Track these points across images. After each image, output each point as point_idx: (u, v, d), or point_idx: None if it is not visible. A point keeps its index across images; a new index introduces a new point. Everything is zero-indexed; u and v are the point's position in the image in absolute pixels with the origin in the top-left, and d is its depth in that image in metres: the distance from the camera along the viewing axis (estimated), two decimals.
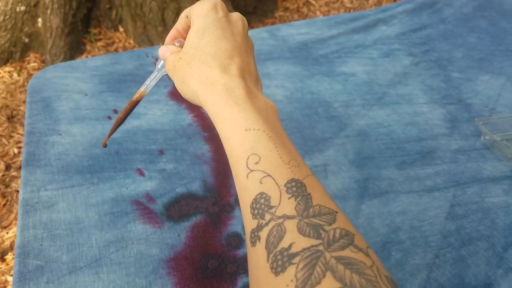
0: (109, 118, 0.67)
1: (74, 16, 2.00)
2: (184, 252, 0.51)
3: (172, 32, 0.49)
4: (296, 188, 0.34)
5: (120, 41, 2.14)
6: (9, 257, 1.30)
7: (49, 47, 1.96)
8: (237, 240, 0.53)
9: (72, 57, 2.00)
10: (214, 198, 0.57)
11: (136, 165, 0.61)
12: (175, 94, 0.73)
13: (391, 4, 1.00)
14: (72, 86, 0.73)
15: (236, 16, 0.45)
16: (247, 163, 0.35)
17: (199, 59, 0.41)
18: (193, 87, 0.41)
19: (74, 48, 2.03)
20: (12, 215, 1.42)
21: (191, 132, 0.66)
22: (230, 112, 0.37)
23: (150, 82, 0.49)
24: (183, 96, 0.44)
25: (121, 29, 2.18)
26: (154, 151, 0.63)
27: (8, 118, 1.71)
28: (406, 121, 0.70)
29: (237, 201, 0.57)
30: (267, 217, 0.33)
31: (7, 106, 1.76)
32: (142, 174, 0.59)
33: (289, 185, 0.34)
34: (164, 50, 0.47)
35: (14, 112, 1.75)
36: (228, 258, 0.50)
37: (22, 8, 1.96)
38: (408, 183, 0.60)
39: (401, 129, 0.69)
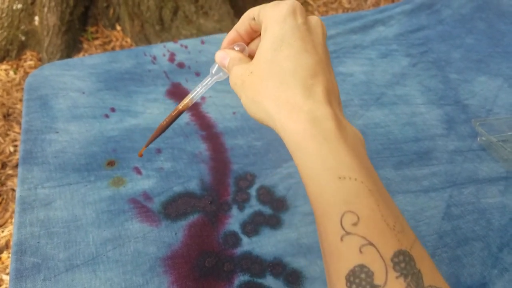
0: (107, 116, 0.67)
1: (71, 14, 1.99)
2: (181, 251, 0.51)
3: (231, 34, 0.43)
4: (405, 263, 0.28)
5: (117, 39, 2.14)
6: (4, 255, 1.29)
7: (46, 45, 1.95)
8: (234, 238, 0.53)
9: (69, 56, 2.00)
10: (212, 197, 0.57)
11: (134, 163, 0.61)
12: (172, 93, 0.73)
13: (389, 4, 1.01)
14: (70, 84, 0.72)
15: (315, 21, 0.38)
16: (341, 221, 0.29)
17: (277, 77, 0.34)
18: (267, 109, 0.35)
19: (71, 46, 2.02)
20: (8, 214, 1.42)
21: (189, 131, 0.66)
22: (319, 151, 0.31)
23: (200, 89, 0.44)
24: (251, 116, 0.38)
25: (118, 27, 2.17)
26: (151, 150, 0.63)
27: (4, 116, 1.71)
28: (403, 121, 0.70)
29: (234, 200, 0.57)
30: None
31: (3, 104, 1.76)
32: (139, 172, 0.59)
33: (396, 259, 0.28)
34: (222, 56, 0.41)
35: (10, 110, 1.74)
36: (225, 257, 0.51)
37: (19, 6, 1.95)
38: (405, 183, 0.60)
39: (398, 129, 0.69)
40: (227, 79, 0.42)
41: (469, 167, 0.63)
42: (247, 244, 0.52)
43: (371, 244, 0.28)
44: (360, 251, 0.28)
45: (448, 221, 0.56)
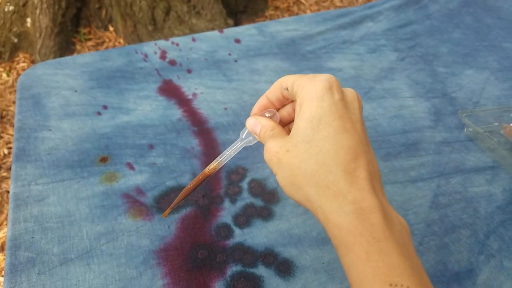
0: (99, 113, 0.68)
1: (64, 16, 2.00)
2: (174, 243, 0.52)
3: (262, 101, 0.42)
4: None
5: (110, 40, 2.14)
6: (0, 257, 1.29)
7: (38, 47, 1.95)
8: (227, 230, 0.54)
9: (61, 57, 2.00)
10: (204, 190, 0.58)
11: (126, 159, 0.61)
12: (164, 90, 0.74)
13: (377, 0, 1.02)
14: (62, 82, 0.73)
15: (351, 95, 0.36)
16: None
17: (316, 160, 0.33)
18: (308, 195, 0.33)
19: (64, 48, 2.03)
20: (3, 216, 1.42)
21: (181, 127, 0.67)
22: (368, 253, 0.29)
23: (229, 153, 0.43)
24: (289, 196, 0.36)
25: (111, 28, 2.18)
26: (144, 146, 0.63)
27: None
28: (391, 114, 0.71)
29: (226, 193, 0.58)
30: None
31: None
32: (132, 168, 0.60)
33: None
34: (254, 123, 0.40)
35: (4, 113, 1.74)
36: (218, 248, 0.51)
37: (11, 8, 1.95)
38: (393, 174, 0.61)
39: (386, 122, 0.70)
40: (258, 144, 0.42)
41: (456, 158, 0.65)
42: (239, 235, 0.53)
43: None
44: None
45: (435, 210, 0.57)
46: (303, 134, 0.34)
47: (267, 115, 0.41)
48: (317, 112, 0.34)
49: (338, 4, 2.50)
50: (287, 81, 0.38)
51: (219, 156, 0.43)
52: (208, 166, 0.43)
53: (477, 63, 0.85)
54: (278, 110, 0.42)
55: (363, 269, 0.29)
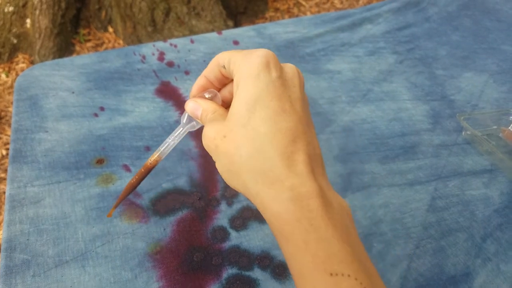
0: (96, 115, 0.68)
1: (63, 17, 2.00)
2: (169, 246, 0.52)
3: (201, 81, 0.39)
4: None
5: (109, 41, 2.14)
6: None
7: (37, 48, 1.95)
8: (223, 233, 0.53)
9: (61, 58, 2.00)
10: (200, 193, 0.58)
11: (123, 161, 0.61)
12: (162, 91, 0.74)
13: (376, 3, 1.02)
14: (59, 83, 0.73)
15: (291, 71, 0.34)
16: None
17: (252, 145, 0.31)
18: (245, 182, 0.31)
19: (63, 49, 2.03)
20: (1, 217, 1.42)
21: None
22: (305, 240, 0.28)
23: (172, 141, 0.40)
24: (228, 184, 0.34)
25: (110, 29, 2.18)
26: (140, 148, 0.63)
27: None
28: (389, 117, 0.71)
29: (223, 196, 0.58)
30: None
31: None
32: (128, 170, 0.60)
33: None
34: (194, 107, 0.37)
35: (2, 113, 1.74)
36: (214, 251, 0.51)
37: (11, 8, 1.95)
38: (390, 177, 0.61)
39: (384, 125, 0.70)
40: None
41: (454, 161, 0.64)
42: (235, 238, 0.53)
43: None
44: None
45: (432, 213, 0.57)
46: (238, 117, 0.32)
47: (206, 96, 0.38)
48: (253, 92, 0.31)
49: (339, 6, 2.50)
50: (224, 58, 0.35)
51: (160, 146, 0.40)
52: (149, 158, 0.40)
53: (476, 65, 0.85)
54: (219, 90, 0.40)
55: (302, 259, 0.28)
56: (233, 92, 0.34)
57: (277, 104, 0.31)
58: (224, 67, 0.36)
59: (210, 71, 0.38)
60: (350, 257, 0.28)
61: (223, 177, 0.34)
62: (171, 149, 0.40)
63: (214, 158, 0.34)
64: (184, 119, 0.39)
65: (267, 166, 0.30)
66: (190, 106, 0.37)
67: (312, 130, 0.33)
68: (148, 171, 0.40)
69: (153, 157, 0.40)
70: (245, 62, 0.33)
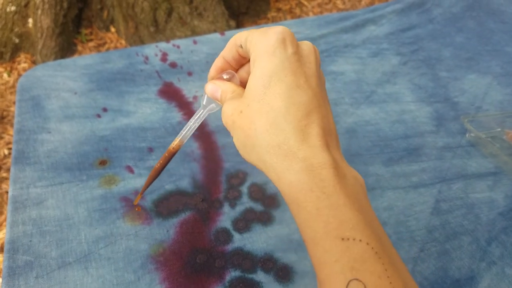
0: (98, 116, 0.68)
1: (65, 17, 2.00)
2: (172, 248, 0.51)
3: (219, 62, 0.40)
4: None
5: (111, 41, 2.14)
6: (0, 258, 1.29)
7: (39, 47, 1.95)
8: (226, 235, 0.53)
9: (63, 58, 2.00)
10: (203, 194, 0.58)
11: (126, 162, 0.61)
12: (165, 92, 0.73)
13: (380, 4, 1.01)
14: (62, 84, 0.73)
15: (308, 48, 0.34)
16: None
17: (267, 119, 0.31)
18: (260, 155, 0.32)
19: (65, 48, 2.03)
20: (3, 216, 1.42)
21: (181, 130, 0.67)
22: (317, 207, 0.28)
23: (193, 124, 0.40)
24: (245, 159, 0.35)
25: (112, 29, 2.18)
26: (143, 149, 0.63)
27: None
28: (393, 119, 0.71)
29: (226, 197, 0.57)
30: None
31: None
32: (131, 171, 0.60)
33: None
34: (213, 89, 0.38)
35: (5, 113, 1.74)
36: (217, 253, 0.51)
37: (13, 8, 1.95)
38: (394, 179, 0.61)
39: (388, 126, 0.69)
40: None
41: (458, 163, 0.64)
42: (239, 240, 0.53)
43: None
44: None
45: (437, 216, 0.57)
46: (254, 93, 0.32)
47: (225, 77, 0.39)
48: (269, 68, 0.32)
49: (341, 6, 2.50)
50: (241, 37, 0.36)
51: (182, 130, 0.41)
52: (172, 142, 0.40)
53: (480, 67, 0.84)
54: (236, 71, 0.40)
55: (314, 225, 0.28)
56: (251, 69, 0.34)
57: (292, 80, 0.32)
58: (241, 46, 0.36)
59: (228, 52, 0.38)
60: (362, 224, 0.28)
61: (240, 152, 0.35)
62: (192, 132, 0.41)
63: (231, 133, 0.35)
64: (204, 101, 0.40)
65: (281, 139, 0.30)
66: (210, 88, 0.38)
67: (327, 106, 0.34)
68: (172, 155, 0.41)
69: (176, 141, 0.41)
70: (261, 39, 0.33)
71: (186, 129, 0.41)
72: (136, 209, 0.44)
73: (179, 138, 0.41)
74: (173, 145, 0.41)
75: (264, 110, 0.31)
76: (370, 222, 0.29)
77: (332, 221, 0.28)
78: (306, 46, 0.34)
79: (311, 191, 0.29)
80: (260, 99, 0.32)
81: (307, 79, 0.32)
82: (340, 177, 0.29)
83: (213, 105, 0.40)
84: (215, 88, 0.38)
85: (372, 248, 0.27)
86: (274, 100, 0.31)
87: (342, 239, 0.27)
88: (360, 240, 0.27)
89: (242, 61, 0.39)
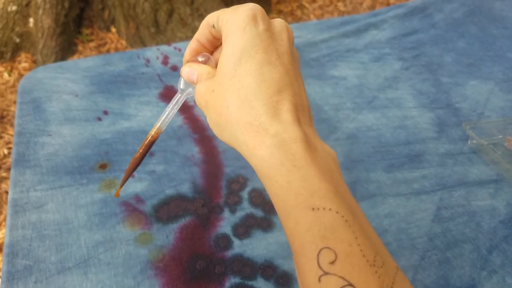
0: (99, 119, 0.67)
1: (66, 16, 1.99)
2: (172, 253, 0.51)
3: (193, 44, 0.39)
4: None
5: (112, 42, 2.14)
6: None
7: (40, 47, 1.95)
8: (226, 241, 0.53)
9: (63, 58, 2.00)
10: (204, 199, 0.57)
11: (126, 166, 0.61)
12: (166, 96, 0.73)
13: (382, 8, 1.01)
14: (63, 87, 0.73)
15: (280, 26, 0.34)
16: (318, 260, 0.27)
17: (238, 96, 0.31)
18: (232, 133, 0.32)
19: (66, 48, 2.02)
20: (2, 216, 1.41)
21: (182, 134, 0.67)
22: (288, 180, 0.29)
23: (171, 109, 0.40)
24: (219, 138, 0.34)
25: (113, 29, 2.18)
26: None
27: None
28: (395, 124, 0.71)
29: (226, 203, 0.57)
30: None
31: None
32: (131, 175, 0.60)
33: None
34: (189, 72, 0.37)
35: (4, 113, 1.74)
36: (217, 259, 0.51)
37: (14, 7, 1.95)
38: (395, 186, 0.61)
39: (390, 132, 0.69)
40: None
41: (460, 170, 0.64)
42: (239, 246, 0.52)
43: (351, 285, 0.26)
44: None
45: (438, 224, 0.56)
46: (225, 70, 0.32)
47: (200, 60, 0.38)
48: (239, 44, 0.32)
49: (342, 8, 2.50)
50: (213, 17, 0.36)
51: (160, 116, 0.40)
52: (151, 130, 0.40)
53: (482, 73, 0.84)
54: (212, 53, 0.39)
55: (286, 198, 0.29)
56: (222, 47, 0.34)
57: (263, 56, 0.31)
58: (213, 26, 0.36)
59: (202, 33, 0.38)
60: (332, 194, 0.28)
61: (214, 132, 0.35)
62: (171, 118, 0.40)
63: (205, 113, 0.35)
64: (181, 85, 0.39)
65: (252, 116, 0.30)
66: (185, 71, 0.38)
67: (300, 83, 0.34)
68: (151, 144, 0.40)
69: (154, 129, 0.40)
70: (232, 16, 0.33)
71: (164, 116, 0.40)
72: (115, 195, 0.43)
73: (158, 125, 0.40)
74: (152, 133, 0.40)
75: (235, 87, 0.31)
76: (341, 192, 0.29)
77: (302, 192, 0.28)
78: (278, 23, 0.34)
79: (282, 165, 0.29)
80: (231, 77, 0.32)
81: (279, 56, 0.32)
82: (311, 151, 0.30)
83: (190, 89, 0.39)
84: (191, 71, 0.37)
85: (342, 216, 0.27)
86: (245, 77, 0.31)
87: (313, 209, 0.28)
88: (330, 209, 0.27)
89: (216, 42, 0.39)
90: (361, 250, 0.27)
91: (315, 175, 0.29)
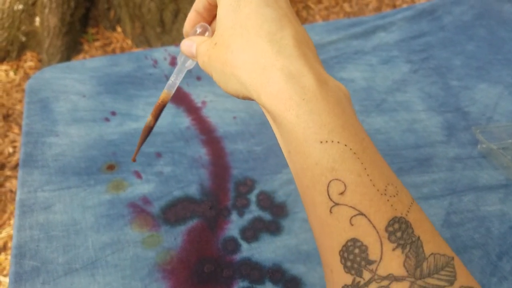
0: (107, 119, 0.67)
1: (72, 16, 2.00)
2: (180, 256, 0.51)
3: (191, 16, 0.40)
4: (401, 232, 0.26)
5: (117, 41, 2.14)
6: (2, 257, 1.29)
7: (46, 46, 1.95)
8: (234, 244, 0.53)
9: (69, 57, 2.00)
10: (211, 202, 0.57)
11: (134, 167, 0.60)
12: (173, 97, 0.73)
13: (390, 11, 1.01)
14: (70, 87, 0.72)
15: None
16: (328, 192, 0.27)
17: (241, 39, 0.31)
18: (239, 77, 0.31)
19: (72, 47, 2.03)
20: (6, 215, 1.42)
21: (189, 135, 0.66)
22: (297, 114, 0.28)
23: (174, 80, 0.41)
24: (227, 92, 0.34)
25: (119, 29, 2.18)
26: (151, 154, 0.63)
27: (4, 117, 1.71)
28: (403, 128, 0.70)
29: (234, 205, 0.57)
30: (366, 275, 0.25)
31: (2, 105, 1.76)
32: (139, 176, 0.59)
33: (391, 228, 0.26)
34: (189, 45, 0.38)
35: (10, 111, 1.74)
36: (224, 263, 0.50)
37: (20, 6, 1.95)
38: None
39: (398, 136, 0.69)
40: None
41: (469, 175, 0.63)
42: (247, 250, 0.52)
43: (361, 214, 0.26)
44: (351, 223, 0.26)
45: (447, 229, 0.56)
46: (225, 20, 0.33)
47: (198, 30, 0.39)
48: None
49: (348, 9, 2.49)
50: None
51: (166, 86, 0.41)
52: (159, 98, 0.41)
53: (491, 76, 0.84)
54: (210, 23, 0.40)
55: (293, 132, 0.28)
56: (217, 2, 0.34)
57: (260, 0, 0.32)
58: None
59: (198, 3, 0.39)
60: (339, 127, 0.28)
61: (220, 86, 0.34)
62: (175, 89, 0.41)
63: (209, 71, 0.35)
64: (181, 58, 0.40)
65: (258, 54, 0.30)
66: (186, 45, 0.38)
67: (301, 27, 0.33)
68: (162, 108, 0.41)
69: (161, 96, 0.41)
70: None
71: (170, 86, 0.41)
72: (132, 160, 0.43)
73: (166, 92, 0.41)
74: (161, 99, 0.41)
75: (238, 32, 0.31)
76: (350, 125, 0.28)
77: (311, 126, 0.28)
78: None
79: (290, 99, 0.28)
80: (232, 25, 0.32)
81: (275, 0, 0.33)
82: (321, 84, 0.29)
83: (190, 61, 0.40)
84: (191, 43, 0.38)
85: (351, 149, 0.27)
86: (245, 20, 0.31)
87: (321, 142, 0.27)
88: (339, 142, 0.27)
89: (213, 10, 0.39)
90: (370, 180, 0.27)
91: (324, 108, 0.28)
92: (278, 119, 0.29)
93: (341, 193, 0.26)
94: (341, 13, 2.47)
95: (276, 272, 0.50)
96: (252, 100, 0.32)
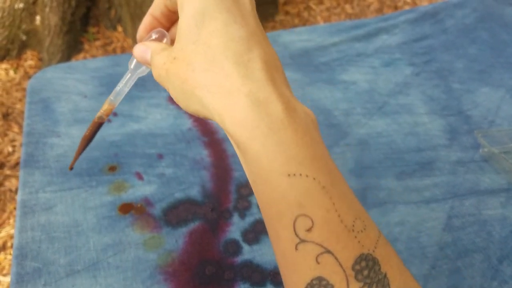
0: (109, 120, 0.67)
1: (73, 15, 1.99)
2: (181, 258, 0.51)
3: (147, 20, 0.37)
4: (368, 270, 0.25)
5: (118, 40, 2.14)
6: (1, 256, 1.29)
7: (46, 45, 1.95)
8: (235, 247, 0.53)
9: (69, 56, 2.00)
10: (213, 204, 0.57)
11: (135, 168, 0.60)
12: None
13: (393, 13, 1.01)
14: (72, 87, 0.72)
15: None
16: (294, 227, 0.26)
17: (204, 58, 0.28)
18: (201, 98, 0.29)
19: (72, 47, 2.02)
20: (5, 214, 1.41)
21: (191, 137, 0.66)
22: (263, 144, 0.26)
23: (120, 89, 0.38)
24: (186, 111, 0.32)
25: (119, 28, 2.17)
26: (153, 155, 0.63)
27: (3, 116, 1.70)
28: (406, 131, 0.70)
29: (235, 208, 0.57)
30: None
31: (2, 104, 1.75)
32: (141, 178, 0.59)
33: (358, 267, 0.25)
34: (142, 49, 0.34)
35: (10, 110, 1.74)
36: (226, 265, 0.50)
37: (21, 5, 1.95)
38: (406, 193, 0.60)
39: (401, 139, 0.69)
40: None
41: (471, 178, 0.63)
42: (248, 252, 0.52)
43: (328, 251, 0.25)
44: (317, 261, 0.25)
45: (449, 233, 0.56)
46: (187, 34, 0.29)
47: (154, 36, 0.35)
48: (200, 5, 0.29)
49: (349, 11, 2.49)
50: None
51: (110, 95, 0.38)
52: (101, 109, 0.38)
53: (493, 80, 0.84)
54: (168, 29, 0.37)
55: (259, 162, 0.27)
56: (179, 13, 0.31)
57: (227, 16, 0.29)
58: None
59: (156, 7, 0.36)
60: (308, 159, 0.26)
61: (178, 103, 0.32)
62: (122, 97, 0.38)
63: (166, 85, 0.32)
64: (132, 64, 0.37)
65: (222, 76, 0.28)
66: (139, 49, 0.35)
67: (270, 47, 0.31)
68: (100, 125, 0.39)
69: (104, 107, 0.39)
70: None
71: (114, 95, 0.38)
72: (69, 168, 0.42)
73: (107, 104, 0.39)
74: (102, 111, 0.39)
75: (201, 50, 0.29)
76: (319, 157, 0.27)
77: (278, 157, 0.26)
78: None
79: (257, 128, 0.26)
80: (195, 40, 0.29)
81: (243, 17, 0.30)
82: (288, 111, 0.27)
83: (143, 68, 0.37)
84: (145, 49, 0.34)
85: (319, 182, 0.26)
86: (210, 38, 0.28)
87: (289, 175, 0.26)
88: (307, 175, 0.26)
89: (172, 16, 0.37)
90: (339, 216, 0.26)
91: (292, 138, 0.26)
92: (243, 146, 0.27)
93: (308, 230, 0.25)
94: (342, 14, 2.47)
95: (277, 275, 0.50)
96: (211, 120, 0.31)
